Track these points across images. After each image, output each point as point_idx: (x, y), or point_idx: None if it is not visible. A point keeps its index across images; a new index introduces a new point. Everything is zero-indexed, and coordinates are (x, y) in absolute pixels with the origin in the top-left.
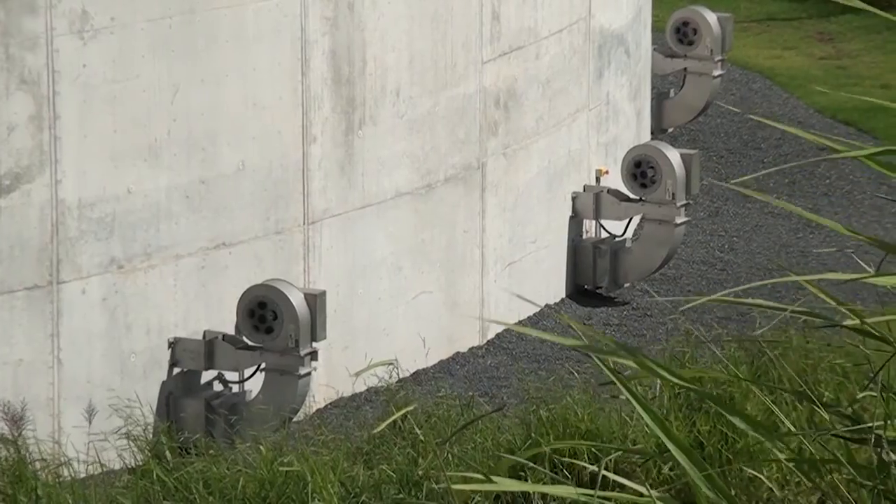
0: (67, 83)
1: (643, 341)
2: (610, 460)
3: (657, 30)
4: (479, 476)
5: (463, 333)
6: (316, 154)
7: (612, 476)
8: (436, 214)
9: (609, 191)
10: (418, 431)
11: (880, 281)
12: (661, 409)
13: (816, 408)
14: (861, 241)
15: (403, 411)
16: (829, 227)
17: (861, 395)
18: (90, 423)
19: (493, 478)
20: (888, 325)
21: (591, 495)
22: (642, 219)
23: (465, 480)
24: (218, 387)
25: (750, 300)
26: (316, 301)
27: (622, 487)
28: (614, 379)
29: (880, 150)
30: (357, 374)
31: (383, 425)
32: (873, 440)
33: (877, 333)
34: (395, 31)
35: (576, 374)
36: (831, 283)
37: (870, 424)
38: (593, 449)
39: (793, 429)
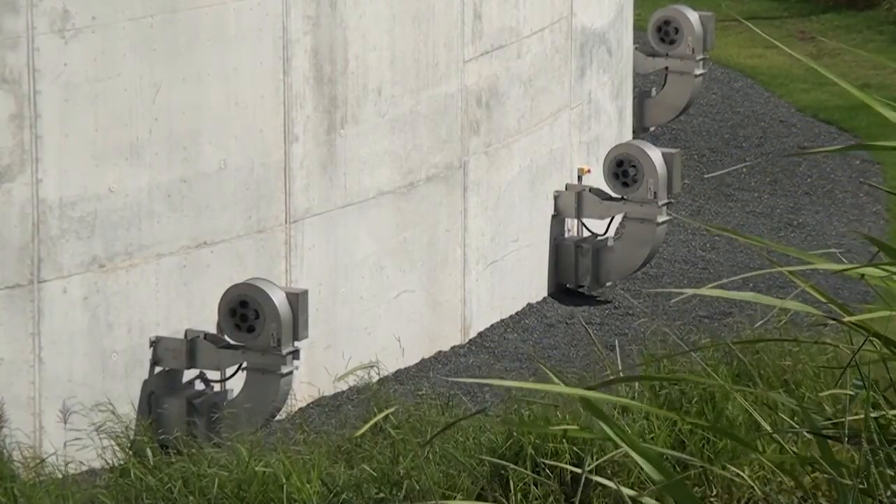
0: (48, 82)
1: (624, 340)
2: (592, 460)
3: (639, 29)
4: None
5: (445, 332)
6: (298, 153)
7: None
8: (418, 213)
9: (591, 189)
10: (393, 433)
11: (867, 271)
12: (640, 410)
13: (783, 407)
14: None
15: (383, 415)
16: (811, 225)
17: (830, 391)
18: (65, 422)
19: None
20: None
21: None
22: (624, 217)
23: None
24: (199, 386)
25: (741, 293)
26: (298, 300)
27: (604, 488)
28: (592, 412)
29: (851, 146)
30: (339, 379)
31: (364, 429)
32: (847, 438)
33: (860, 327)
34: (376, 31)
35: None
36: (815, 288)
37: (841, 419)
38: (575, 449)
39: (769, 429)
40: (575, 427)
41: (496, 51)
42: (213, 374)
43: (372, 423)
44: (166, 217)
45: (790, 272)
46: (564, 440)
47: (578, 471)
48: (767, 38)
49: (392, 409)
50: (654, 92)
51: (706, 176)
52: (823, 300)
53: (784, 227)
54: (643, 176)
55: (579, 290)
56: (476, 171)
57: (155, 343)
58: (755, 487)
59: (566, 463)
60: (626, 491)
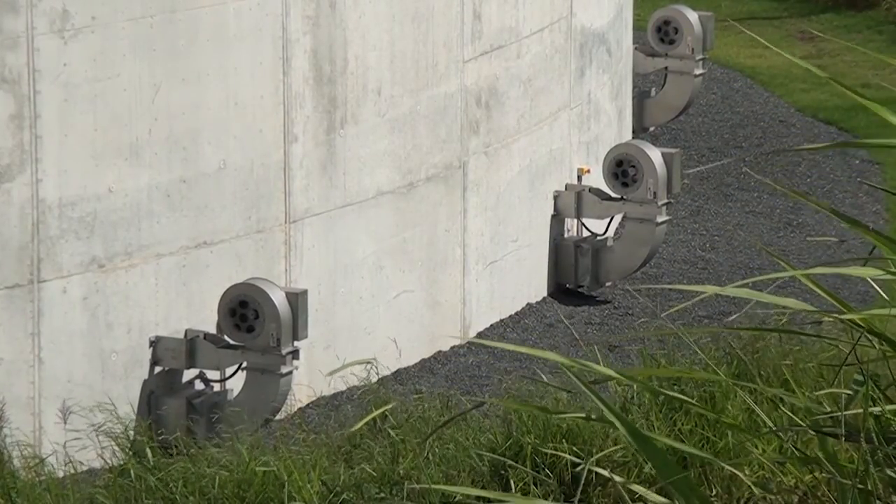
0: (48, 82)
1: (624, 340)
2: (592, 459)
3: (638, 29)
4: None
5: (444, 332)
6: (297, 153)
7: (596, 471)
8: (417, 213)
9: (591, 189)
10: (392, 432)
11: (865, 273)
12: (640, 408)
13: (783, 407)
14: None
15: (379, 411)
16: (811, 225)
17: (829, 390)
18: (65, 422)
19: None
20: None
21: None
22: (624, 217)
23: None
24: (199, 386)
25: (737, 288)
26: (297, 300)
27: (604, 484)
28: (587, 390)
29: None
30: (331, 374)
31: (359, 425)
32: (846, 436)
33: (862, 325)
34: (376, 31)
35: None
36: (816, 283)
37: (837, 414)
38: (575, 449)
39: (771, 425)
40: (580, 415)
41: (496, 51)
42: (212, 374)
43: (366, 420)
44: (166, 217)
45: (791, 269)
46: (564, 440)
47: (579, 461)
48: (765, 43)
49: (388, 407)
50: (653, 92)
51: (687, 171)
52: (825, 297)
53: (784, 227)
54: (643, 176)
55: (579, 290)
56: (475, 171)
57: (154, 343)
58: (754, 488)
59: (566, 463)
60: (632, 487)
